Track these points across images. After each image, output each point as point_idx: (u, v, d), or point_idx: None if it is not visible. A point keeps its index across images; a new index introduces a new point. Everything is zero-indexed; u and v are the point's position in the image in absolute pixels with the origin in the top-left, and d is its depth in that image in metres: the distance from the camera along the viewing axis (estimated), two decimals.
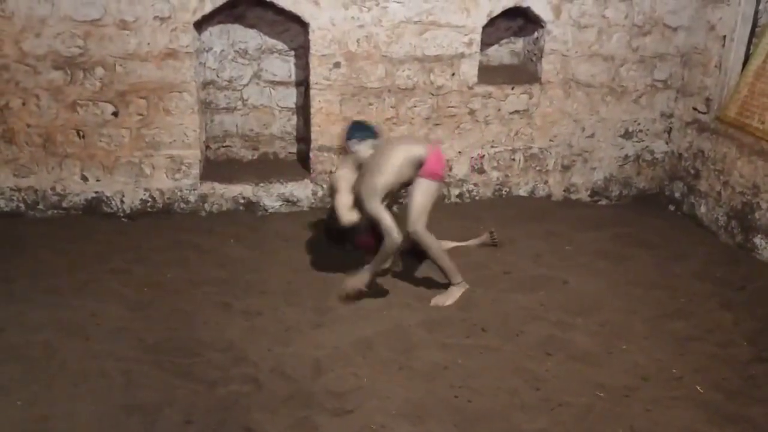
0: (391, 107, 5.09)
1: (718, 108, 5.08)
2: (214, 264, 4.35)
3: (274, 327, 3.71)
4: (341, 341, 3.58)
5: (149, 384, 3.19)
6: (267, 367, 3.35)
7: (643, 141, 5.59)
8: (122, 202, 4.97)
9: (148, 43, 4.64)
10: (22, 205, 4.87)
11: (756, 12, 4.85)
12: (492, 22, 5.11)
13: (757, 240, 4.67)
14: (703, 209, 5.25)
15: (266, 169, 5.30)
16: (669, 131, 5.60)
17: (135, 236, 4.68)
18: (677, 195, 5.57)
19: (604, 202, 5.68)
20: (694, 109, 5.34)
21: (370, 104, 5.06)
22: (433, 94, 5.12)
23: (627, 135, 5.55)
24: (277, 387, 3.20)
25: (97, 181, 4.89)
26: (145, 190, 4.93)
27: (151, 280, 4.11)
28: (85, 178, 4.88)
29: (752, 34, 4.90)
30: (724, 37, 4.96)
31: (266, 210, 5.14)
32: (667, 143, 5.63)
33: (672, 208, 5.59)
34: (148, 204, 4.97)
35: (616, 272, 4.44)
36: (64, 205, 4.92)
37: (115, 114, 4.76)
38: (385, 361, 3.45)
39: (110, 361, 3.33)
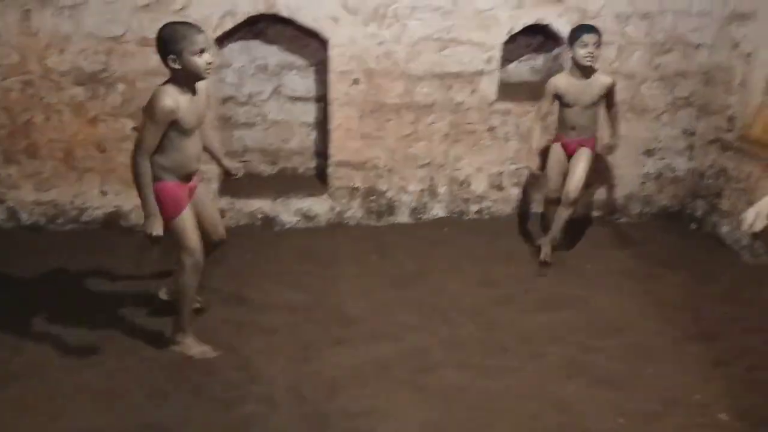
0: (410, 123, 5.06)
1: (741, 126, 5.01)
2: (231, 280, 4.33)
3: (291, 345, 3.68)
4: (359, 360, 3.54)
5: (166, 402, 3.17)
6: (283, 386, 3.31)
7: (664, 159, 5.52)
8: (141, 216, 4.96)
9: None
10: (42, 218, 4.90)
11: None
12: (512, 38, 5.08)
13: None
14: (725, 228, 5.16)
15: (285, 184, 5.29)
16: (691, 148, 5.52)
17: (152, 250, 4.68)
18: (699, 213, 5.48)
19: (624, 219, 5.61)
20: (717, 127, 5.26)
21: (389, 120, 5.04)
22: (452, 111, 5.10)
23: (648, 153, 5.47)
24: (292, 407, 3.16)
25: (117, 195, 4.90)
26: None
27: None
28: (104, 193, 4.90)
29: None
30: (749, 54, 4.90)
31: (284, 226, 5.12)
32: (689, 160, 5.55)
33: (694, 226, 5.50)
34: None
35: (639, 293, 4.36)
36: (84, 219, 4.94)
37: (135, 129, 4.78)
38: (403, 381, 3.40)
39: (128, 379, 3.32)
